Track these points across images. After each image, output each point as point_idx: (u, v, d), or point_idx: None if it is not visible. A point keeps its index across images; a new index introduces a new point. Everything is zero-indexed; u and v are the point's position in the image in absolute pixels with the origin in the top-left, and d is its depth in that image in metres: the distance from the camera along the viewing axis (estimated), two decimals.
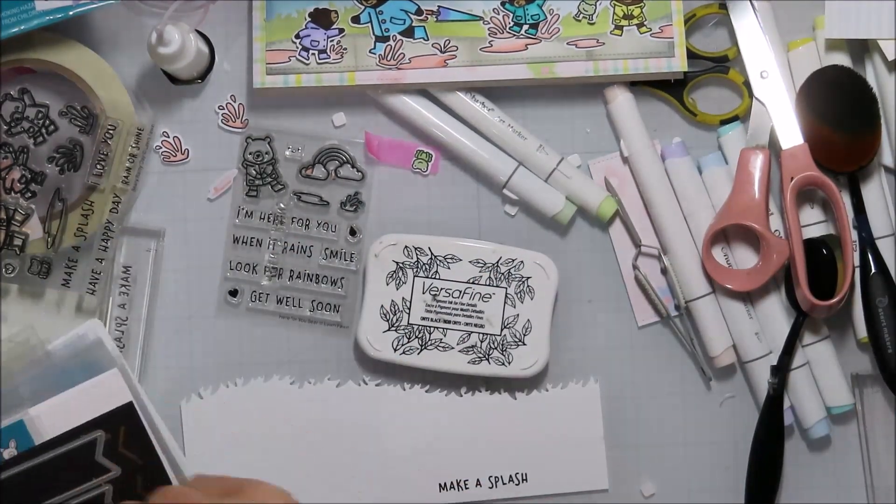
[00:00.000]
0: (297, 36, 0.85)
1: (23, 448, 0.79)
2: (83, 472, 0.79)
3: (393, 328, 0.84)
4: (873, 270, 0.83)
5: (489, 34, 0.84)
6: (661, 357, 0.86)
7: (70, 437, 0.79)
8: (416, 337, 0.84)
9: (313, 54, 0.84)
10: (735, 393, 0.86)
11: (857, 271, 0.84)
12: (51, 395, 0.80)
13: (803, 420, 0.85)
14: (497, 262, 0.84)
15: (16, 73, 0.85)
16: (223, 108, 0.86)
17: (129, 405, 0.80)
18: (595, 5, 0.84)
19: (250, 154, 0.86)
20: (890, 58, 0.83)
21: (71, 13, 0.82)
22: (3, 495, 0.77)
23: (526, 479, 0.85)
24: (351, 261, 0.86)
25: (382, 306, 0.84)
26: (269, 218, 0.86)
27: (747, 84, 0.85)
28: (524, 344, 0.84)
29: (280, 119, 0.86)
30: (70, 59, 0.84)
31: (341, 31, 0.85)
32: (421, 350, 0.84)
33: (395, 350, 0.84)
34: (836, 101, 0.84)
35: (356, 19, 0.85)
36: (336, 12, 0.85)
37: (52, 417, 0.79)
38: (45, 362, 0.81)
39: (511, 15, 0.84)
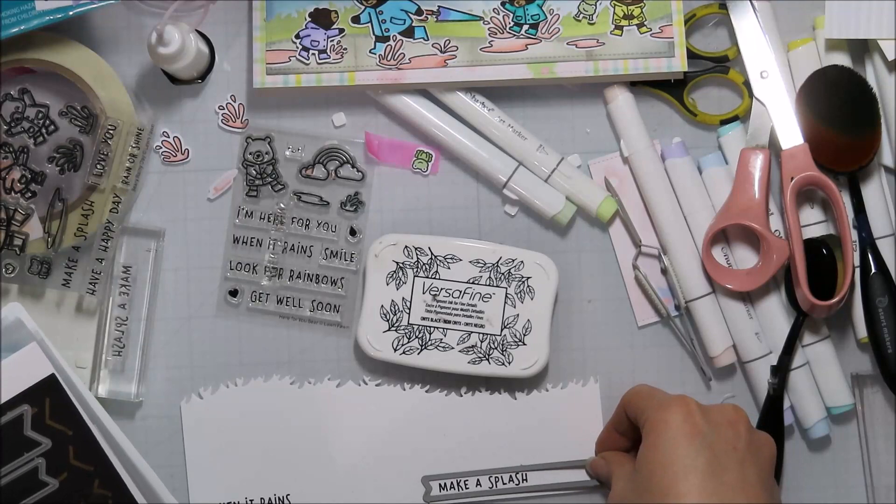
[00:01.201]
0: (297, 36, 0.84)
1: None
2: (14, 448, 0.78)
3: (393, 328, 0.84)
4: (873, 270, 0.83)
5: (489, 34, 0.84)
6: (661, 357, 0.86)
7: None
8: (416, 337, 0.84)
9: (313, 54, 0.84)
10: (735, 393, 0.86)
11: (857, 271, 0.84)
12: None
13: (803, 420, 0.85)
14: (497, 262, 0.84)
15: (16, 73, 0.85)
16: (223, 108, 0.86)
17: (52, 377, 0.79)
18: (595, 5, 0.84)
19: (250, 154, 0.86)
20: (890, 58, 0.83)
21: (71, 13, 0.82)
22: None
23: (526, 479, 0.85)
24: (351, 261, 0.86)
25: (382, 306, 0.84)
26: (269, 218, 0.86)
27: (747, 84, 0.85)
28: (524, 344, 0.84)
29: (280, 119, 0.86)
30: (70, 59, 0.84)
31: (341, 31, 0.85)
32: (421, 350, 0.84)
33: (395, 350, 0.84)
34: (836, 101, 0.84)
35: (356, 19, 0.85)
36: (336, 12, 0.85)
37: None
38: None
39: (511, 15, 0.84)
